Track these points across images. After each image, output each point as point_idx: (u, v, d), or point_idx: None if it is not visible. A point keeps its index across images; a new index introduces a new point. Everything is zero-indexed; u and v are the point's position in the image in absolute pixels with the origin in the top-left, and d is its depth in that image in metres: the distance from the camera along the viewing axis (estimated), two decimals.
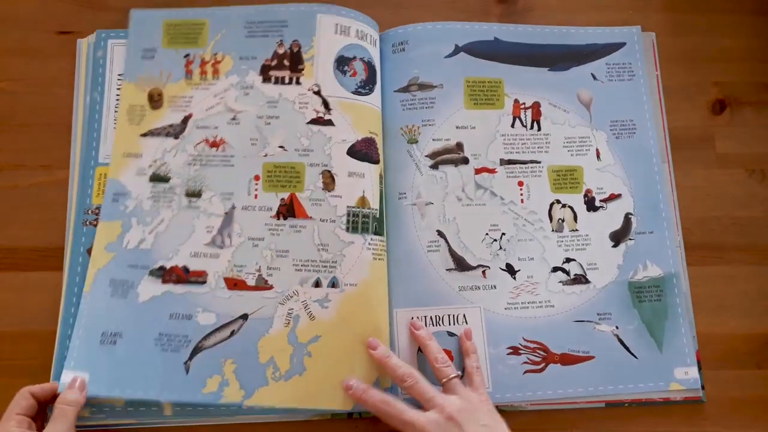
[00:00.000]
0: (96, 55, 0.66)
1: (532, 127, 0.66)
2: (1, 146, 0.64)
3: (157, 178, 0.62)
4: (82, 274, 0.59)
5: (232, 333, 0.57)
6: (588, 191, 0.64)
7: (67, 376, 0.55)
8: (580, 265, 0.62)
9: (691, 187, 0.66)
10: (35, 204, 0.63)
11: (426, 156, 0.64)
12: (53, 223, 0.62)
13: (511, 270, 0.62)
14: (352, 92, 0.64)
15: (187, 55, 0.65)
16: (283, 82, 0.64)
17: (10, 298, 0.60)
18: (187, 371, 0.56)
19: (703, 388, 0.60)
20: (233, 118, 0.63)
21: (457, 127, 0.65)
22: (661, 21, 0.71)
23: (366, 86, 0.64)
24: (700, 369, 0.60)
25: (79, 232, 0.61)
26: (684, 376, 0.59)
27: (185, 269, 0.59)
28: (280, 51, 0.65)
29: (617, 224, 0.64)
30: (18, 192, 0.63)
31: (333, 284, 0.59)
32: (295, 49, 0.65)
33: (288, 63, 0.64)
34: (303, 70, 0.64)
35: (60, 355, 0.57)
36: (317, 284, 0.59)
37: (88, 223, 0.61)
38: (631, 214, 0.64)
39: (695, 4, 0.72)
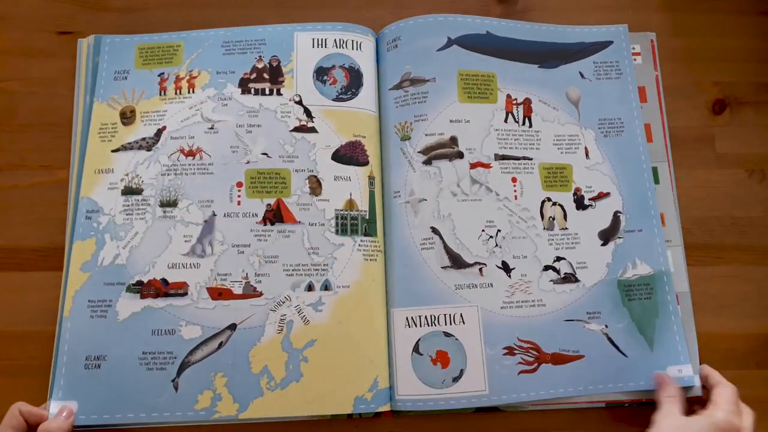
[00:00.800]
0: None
1: (523, 123, 0.66)
2: (1, 146, 0.65)
3: (130, 191, 0.61)
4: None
5: (221, 345, 0.57)
6: (577, 189, 0.64)
7: (55, 407, 0.54)
8: (570, 264, 0.62)
9: (691, 187, 0.66)
10: (35, 204, 0.63)
11: (419, 152, 0.63)
12: (53, 223, 0.62)
13: (506, 268, 0.61)
14: (333, 99, 0.64)
15: (161, 74, 0.65)
16: (263, 93, 0.64)
17: (10, 298, 0.60)
18: (177, 389, 0.56)
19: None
20: (211, 128, 0.63)
21: (451, 121, 0.64)
22: (661, 21, 0.71)
23: (348, 92, 0.64)
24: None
25: None
26: (678, 374, 0.59)
27: (164, 281, 0.58)
28: (260, 65, 0.65)
29: (606, 223, 0.64)
30: (18, 192, 0.63)
31: (326, 287, 0.59)
32: (275, 64, 0.65)
33: (268, 76, 0.64)
34: (283, 82, 0.64)
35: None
36: (310, 288, 0.59)
37: None
38: (620, 213, 0.64)
39: (695, 4, 0.72)
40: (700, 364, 0.60)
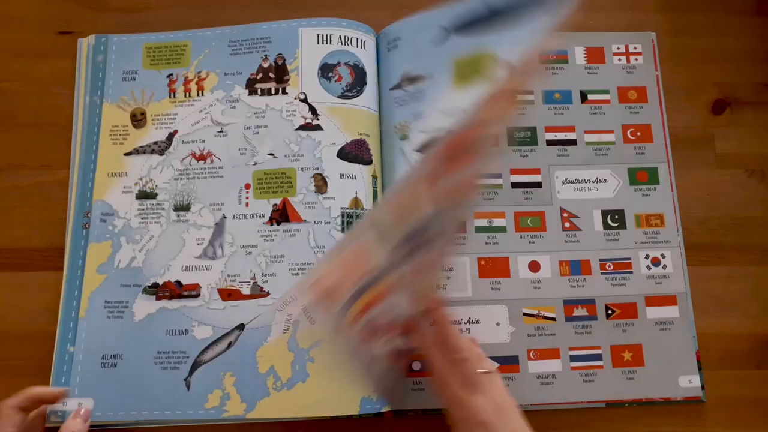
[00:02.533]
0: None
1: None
2: (1, 146, 0.64)
3: (144, 195, 0.62)
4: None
5: (230, 345, 0.57)
6: None
7: (72, 403, 0.55)
8: None
9: (691, 187, 0.66)
10: (35, 204, 0.63)
11: (415, 150, 0.63)
12: (53, 223, 0.62)
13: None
14: (339, 96, 0.64)
15: (170, 75, 0.65)
16: (269, 93, 0.64)
17: (10, 298, 0.60)
18: (188, 388, 0.56)
19: (703, 388, 0.59)
20: (220, 131, 0.63)
21: (448, 117, 0.63)
22: (661, 21, 0.71)
23: (353, 89, 0.64)
24: (700, 369, 0.59)
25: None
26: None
27: (178, 284, 0.59)
28: (265, 65, 0.65)
29: None
30: (18, 192, 0.63)
31: None
32: (280, 62, 0.65)
33: (273, 75, 0.65)
34: (288, 80, 0.64)
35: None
36: None
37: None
38: None
39: (695, 4, 0.72)
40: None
